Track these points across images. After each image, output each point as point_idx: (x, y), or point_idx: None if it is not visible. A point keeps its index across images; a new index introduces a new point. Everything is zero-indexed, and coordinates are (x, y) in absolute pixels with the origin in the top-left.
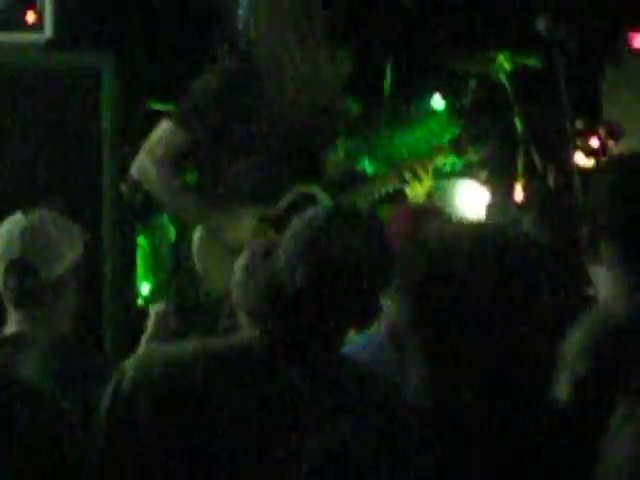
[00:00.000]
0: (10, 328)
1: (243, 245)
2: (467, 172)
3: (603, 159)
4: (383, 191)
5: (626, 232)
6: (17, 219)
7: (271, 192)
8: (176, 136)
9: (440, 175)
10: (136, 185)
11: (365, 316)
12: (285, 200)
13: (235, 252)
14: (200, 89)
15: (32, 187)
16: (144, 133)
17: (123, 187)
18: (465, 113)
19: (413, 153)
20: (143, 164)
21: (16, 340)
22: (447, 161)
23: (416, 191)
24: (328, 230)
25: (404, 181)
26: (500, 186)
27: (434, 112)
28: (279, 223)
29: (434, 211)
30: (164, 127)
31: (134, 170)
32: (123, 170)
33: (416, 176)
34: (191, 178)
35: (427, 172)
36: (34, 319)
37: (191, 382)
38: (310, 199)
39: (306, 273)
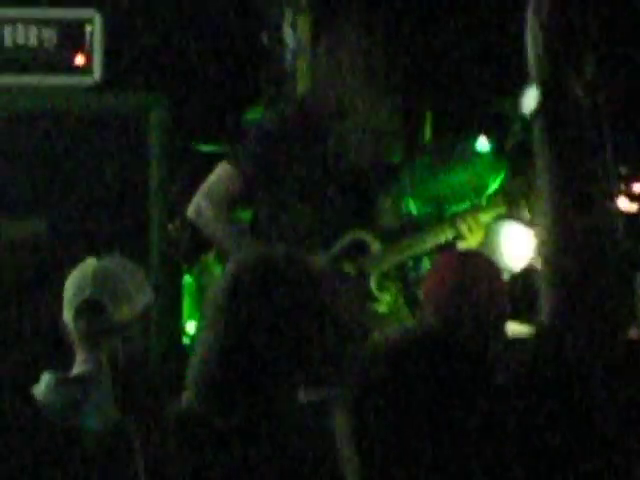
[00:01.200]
0: (77, 369)
1: None
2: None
3: None
4: (435, 242)
5: None
6: (89, 262)
7: (325, 237)
8: (233, 179)
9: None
10: (183, 225)
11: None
12: (337, 246)
13: None
14: (258, 133)
15: (82, 231)
16: (192, 175)
17: (171, 227)
18: (510, 156)
19: (457, 195)
20: (200, 205)
21: (82, 382)
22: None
23: (468, 242)
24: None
25: (457, 232)
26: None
27: (479, 154)
28: (331, 267)
29: (481, 258)
30: (221, 169)
31: (190, 211)
32: (171, 211)
33: (470, 228)
34: (246, 216)
35: (480, 224)
36: (100, 360)
37: None
38: (362, 245)
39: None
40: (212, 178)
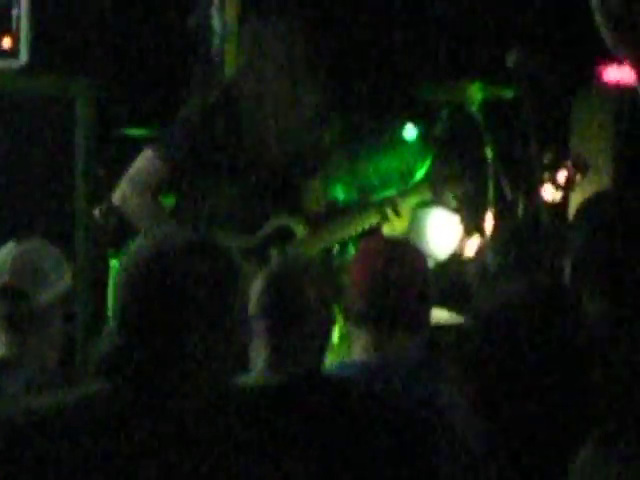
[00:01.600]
0: None
1: None
2: (438, 201)
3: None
4: (361, 226)
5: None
6: (9, 246)
7: (249, 223)
8: (157, 166)
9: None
10: (109, 210)
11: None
12: (262, 232)
13: None
14: (181, 120)
15: (6, 213)
16: (117, 159)
17: (96, 212)
18: (436, 143)
19: (384, 181)
20: (124, 193)
21: (1, 364)
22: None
23: (394, 227)
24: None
25: (384, 217)
26: (471, 215)
27: (406, 141)
28: (255, 254)
29: (405, 243)
30: (145, 156)
31: (116, 197)
32: (96, 195)
33: (397, 212)
34: (169, 201)
35: (405, 209)
36: (21, 344)
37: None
38: (286, 231)
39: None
40: (137, 165)
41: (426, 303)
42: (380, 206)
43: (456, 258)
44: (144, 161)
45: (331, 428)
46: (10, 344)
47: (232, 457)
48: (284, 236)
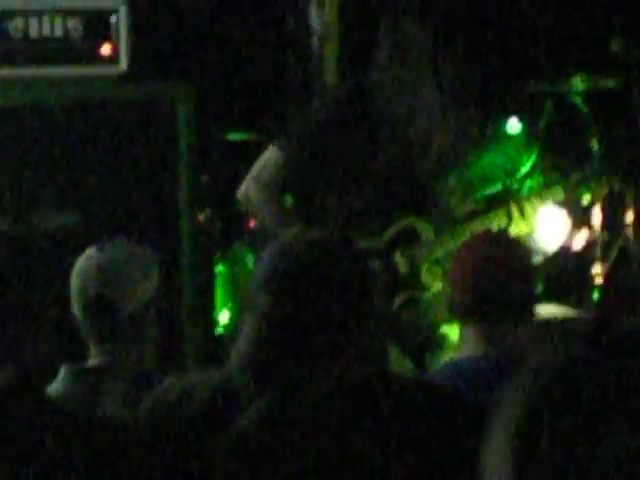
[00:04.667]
0: (92, 362)
1: None
2: (545, 195)
3: None
4: (488, 227)
5: None
6: (91, 254)
7: (374, 224)
8: (281, 162)
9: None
10: (214, 214)
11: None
12: (388, 233)
13: None
14: (309, 116)
15: (111, 220)
16: (222, 163)
17: (201, 217)
18: (542, 136)
19: (488, 177)
20: (248, 189)
21: (97, 373)
22: (530, 183)
23: (520, 229)
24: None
25: (511, 218)
26: (578, 209)
27: (510, 136)
28: (382, 255)
29: (505, 237)
30: (269, 153)
31: (240, 194)
32: (201, 200)
33: (523, 214)
34: (289, 200)
35: (533, 210)
36: (115, 353)
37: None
38: (412, 232)
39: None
40: (260, 162)
41: (532, 295)
42: (507, 207)
43: (564, 252)
44: (268, 157)
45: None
46: (103, 354)
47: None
48: (410, 238)
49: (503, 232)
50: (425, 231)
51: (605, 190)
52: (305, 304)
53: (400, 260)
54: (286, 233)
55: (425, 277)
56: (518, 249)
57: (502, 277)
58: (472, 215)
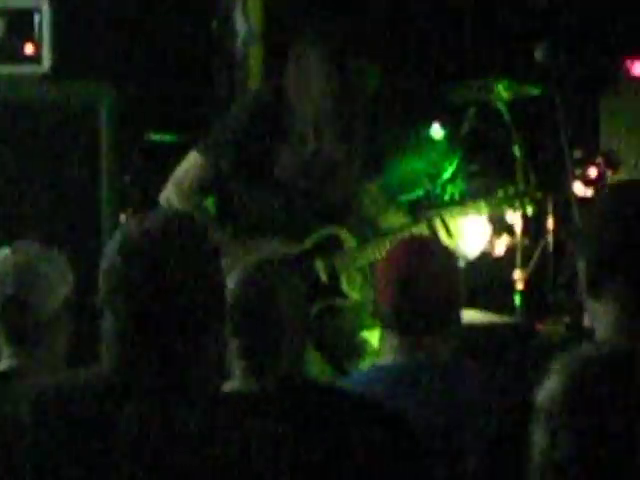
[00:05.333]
0: (3, 363)
1: None
2: (468, 209)
3: (601, 189)
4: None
5: (630, 265)
6: (7, 256)
7: (296, 230)
8: (202, 167)
9: (441, 205)
10: (135, 214)
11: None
12: (311, 240)
13: None
14: (229, 119)
15: (30, 218)
16: (143, 163)
17: (123, 217)
18: (464, 142)
19: (412, 182)
20: (169, 195)
21: (8, 375)
22: (452, 190)
23: (443, 239)
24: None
25: (433, 232)
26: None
27: (433, 141)
28: (302, 262)
29: (432, 242)
30: (190, 158)
31: (161, 199)
32: (123, 200)
33: (447, 228)
34: (210, 204)
35: (457, 225)
36: (28, 355)
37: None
38: (335, 240)
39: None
40: (182, 167)
41: (456, 304)
42: (429, 221)
43: (485, 257)
44: (189, 162)
45: (306, 434)
46: (17, 355)
47: (216, 457)
48: (332, 246)
49: (427, 239)
50: (347, 240)
51: (528, 207)
52: (159, 298)
53: (320, 267)
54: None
55: (345, 285)
56: (442, 257)
57: (426, 288)
58: (394, 225)
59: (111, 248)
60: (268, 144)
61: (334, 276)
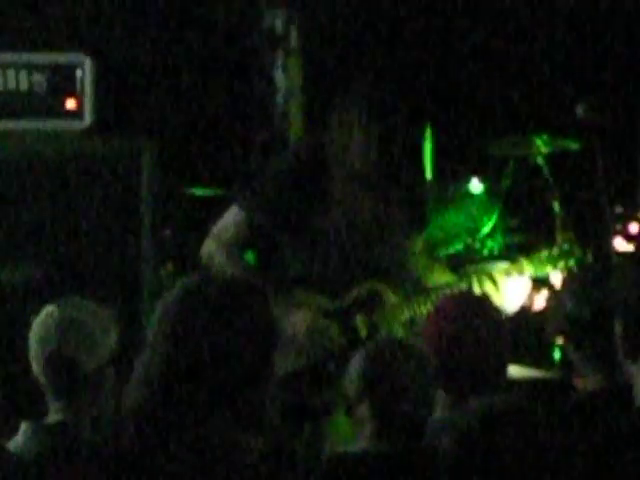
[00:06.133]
0: (51, 418)
1: (298, 333)
2: (506, 256)
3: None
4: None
5: None
6: (51, 310)
7: (337, 285)
8: (242, 221)
9: (478, 259)
10: (176, 268)
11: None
12: (351, 295)
13: (289, 340)
14: (269, 174)
15: (75, 274)
16: (185, 218)
17: (163, 272)
18: (503, 197)
19: (450, 236)
20: (209, 248)
21: (56, 429)
22: (491, 244)
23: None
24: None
25: (481, 286)
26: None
27: (472, 195)
28: (342, 317)
29: (481, 300)
30: (230, 212)
31: (202, 254)
32: (163, 254)
33: (494, 283)
34: (250, 257)
35: (494, 282)
36: (74, 409)
37: None
38: (376, 295)
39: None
40: (222, 221)
41: (504, 362)
42: (476, 276)
43: (525, 312)
44: (229, 216)
45: None
46: (63, 410)
47: None
48: (372, 301)
49: (477, 296)
50: (388, 295)
51: (571, 264)
52: (204, 349)
53: (360, 323)
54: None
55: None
56: (492, 312)
57: (473, 343)
58: (439, 280)
59: (172, 295)
60: (306, 202)
61: (373, 331)
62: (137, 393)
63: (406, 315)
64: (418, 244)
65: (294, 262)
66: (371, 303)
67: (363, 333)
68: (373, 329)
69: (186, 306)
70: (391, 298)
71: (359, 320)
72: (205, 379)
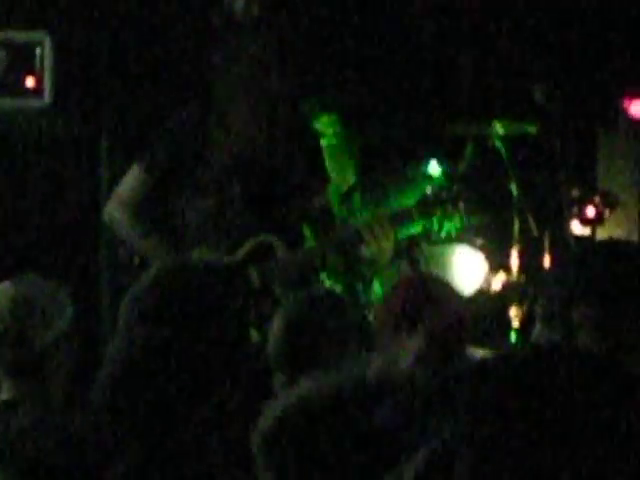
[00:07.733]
0: (3, 396)
1: None
2: (463, 238)
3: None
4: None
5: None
6: (5, 289)
7: (232, 238)
8: (140, 180)
9: (435, 241)
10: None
11: None
12: (244, 248)
13: None
14: (161, 131)
15: (30, 250)
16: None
17: (121, 251)
18: (461, 178)
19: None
20: (110, 209)
21: (7, 407)
22: (448, 226)
23: (371, 250)
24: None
25: (374, 235)
26: (496, 252)
27: (430, 178)
28: (237, 270)
29: (436, 280)
30: (131, 173)
31: (104, 216)
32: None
33: (375, 235)
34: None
35: (385, 232)
36: (26, 387)
37: None
38: (268, 248)
39: None
40: (123, 182)
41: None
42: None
43: (482, 294)
44: (128, 176)
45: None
46: (15, 387)
47: None
48: (265, 254)
49: (434, 274)
50: (279, 248)
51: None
52: (180, 332)
53: (253, 275)
54: (158, 261)
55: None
56: (452, 291)
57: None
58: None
59: (144, 280)
60: (192, 150)
61: (267, 284)
62: (116, 372)
63: (299, 266)
64: (356, 200)
65: (189, 217)
66: (264, 256)
67: (256, 284)
68: (266, 280)
69: (162, 287)
70: (280, 249)
71: (252, 271)
72: (187, 358)
